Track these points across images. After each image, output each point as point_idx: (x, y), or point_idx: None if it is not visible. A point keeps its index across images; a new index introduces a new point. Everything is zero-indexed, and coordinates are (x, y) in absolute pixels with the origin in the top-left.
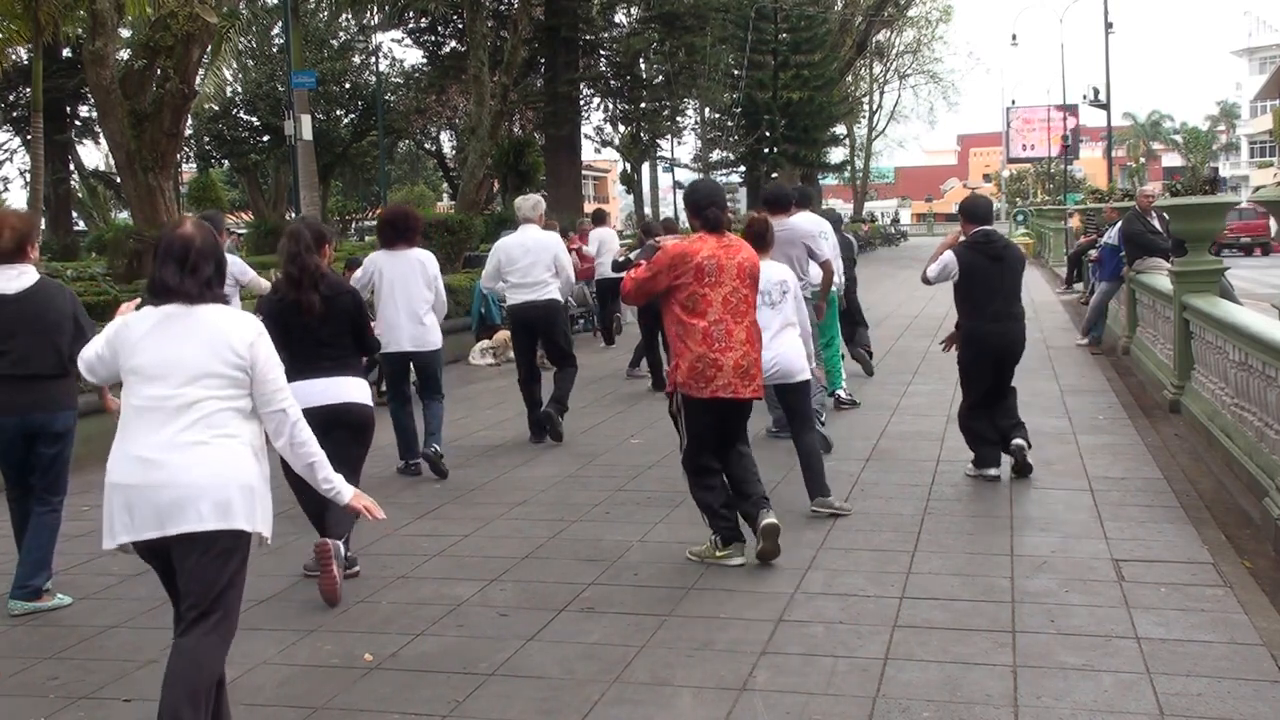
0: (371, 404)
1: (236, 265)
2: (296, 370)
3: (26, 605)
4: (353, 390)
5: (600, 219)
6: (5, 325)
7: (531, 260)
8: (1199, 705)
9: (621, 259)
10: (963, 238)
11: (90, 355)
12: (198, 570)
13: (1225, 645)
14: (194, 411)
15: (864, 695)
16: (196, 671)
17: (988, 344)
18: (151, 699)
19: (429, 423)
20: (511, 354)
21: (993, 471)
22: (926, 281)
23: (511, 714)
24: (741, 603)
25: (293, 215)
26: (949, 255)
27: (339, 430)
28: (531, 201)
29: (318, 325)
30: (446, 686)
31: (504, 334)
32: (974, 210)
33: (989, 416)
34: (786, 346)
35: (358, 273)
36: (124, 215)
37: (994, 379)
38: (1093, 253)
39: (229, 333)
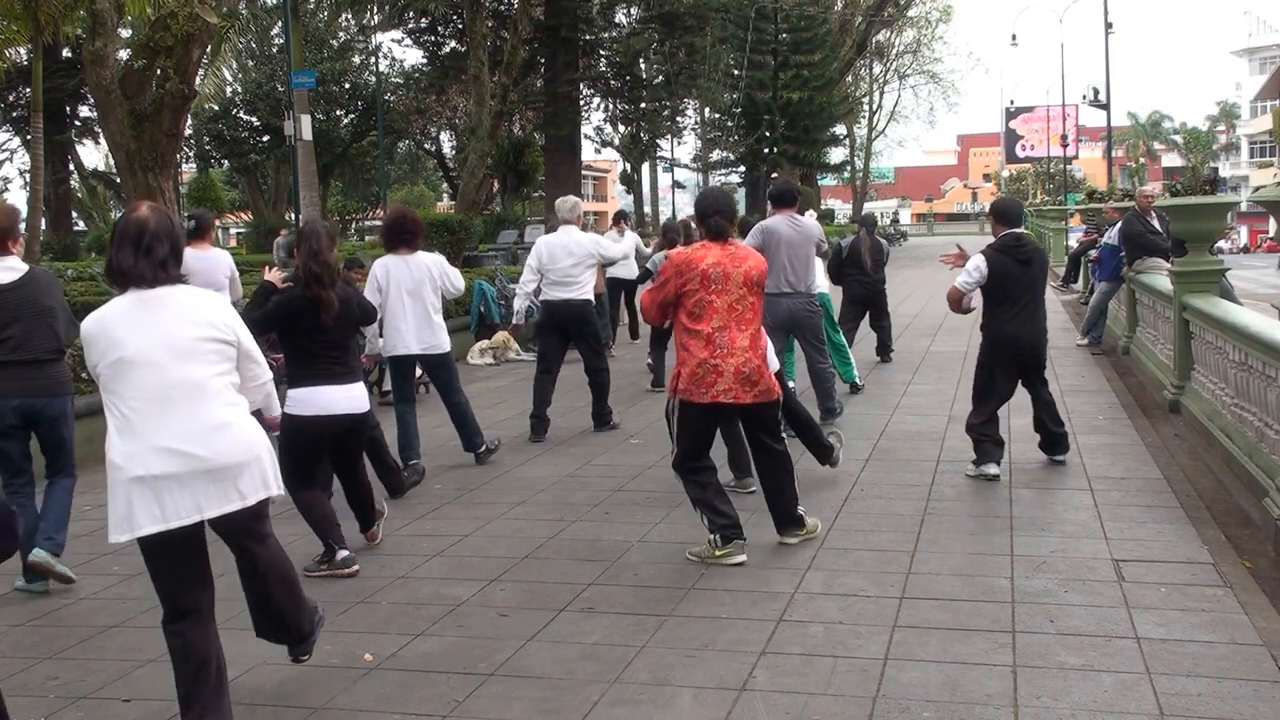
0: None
1: (228, 263)
2: (304, 372)
3: (48, 558)
4: (366, 397)
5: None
6: (3, 313)
7: (574, 262)
8: (1199, 705)
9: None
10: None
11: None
12: (249, 539)
13: (1225, 645)
14: (204, 392)
15: (864, 695)
16: (286, 566)
17: (1010, 346)
18: (151, 699)
19: (464, 426)
20: (511, 354)
21: (993, 470)
22: (959, 297)
23: (511, 714)
24: (741, 603)
25: (293, 215)
26: (979, 259)
27: (354, 434)
28: (570, 203)
29: (330, 326)
30: (446, 686)
31: (503, 334)
32: (1005, 212)
33: (998, 419)
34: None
35: (369, 280)
36: None
37: (1016, 383)
38: (1093, 253)
39: (206, 311)
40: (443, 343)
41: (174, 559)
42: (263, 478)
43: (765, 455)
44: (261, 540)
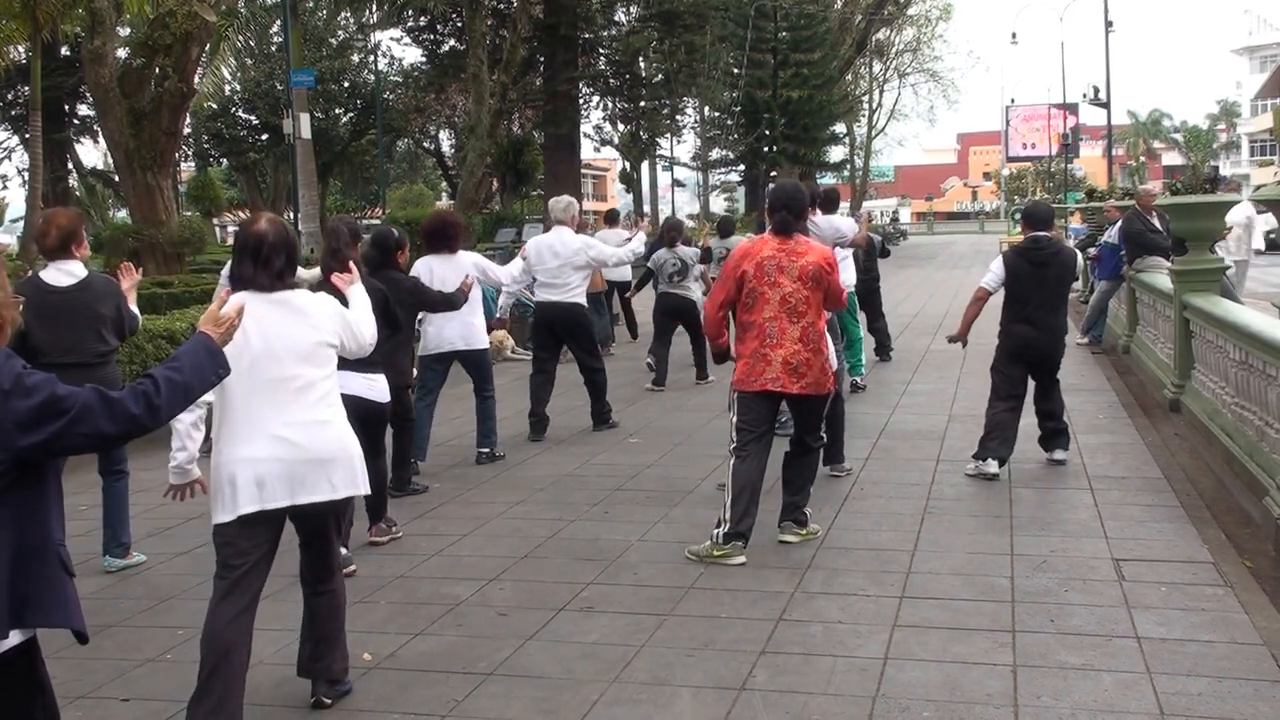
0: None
1: None
2: None
3: (118, 562)
4: (387, 389)
5: (612, 219)
6: (53, 316)
7: (561, 263)
8: (1199, 705)
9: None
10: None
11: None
12: (326, 534)
13: (1226, 645)
14: (314, 391)
15: (864, 695)
16: (342, 612)
17: (1017, 344)
18: (150, 698)
19: (484, 422)
20: (507, 353)
21: (992, 469)
22: (984, 296)
23: (511, 714)
24: (741, 602)
25: (292, 214)
26: (997, 260)
27: (372, 424)
28: (564, 203)
29: None
30: (446, 686)
31: (500, 333)
32: (1030, 215)
33: (1018, 416)
34: None
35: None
36: (123, 214)
37: (1027, 381)
38: (1092, 251)
39: (322, 317)
40: (484, 339)
41: (249, 540)
42: (352, 475)
43: (799, 448)
44: (335, 539)
